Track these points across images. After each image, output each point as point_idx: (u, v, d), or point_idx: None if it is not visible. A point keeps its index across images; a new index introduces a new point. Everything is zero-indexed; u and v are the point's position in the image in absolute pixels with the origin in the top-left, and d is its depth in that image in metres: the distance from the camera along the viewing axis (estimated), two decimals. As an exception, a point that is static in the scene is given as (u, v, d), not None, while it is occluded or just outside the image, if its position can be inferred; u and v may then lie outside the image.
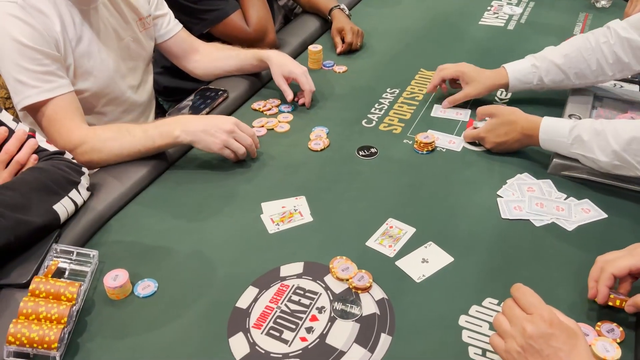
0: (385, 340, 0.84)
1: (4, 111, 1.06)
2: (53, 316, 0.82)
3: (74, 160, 1.09)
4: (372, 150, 1.27)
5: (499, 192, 1.13)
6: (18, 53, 1.12)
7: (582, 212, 1.07)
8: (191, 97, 1.44)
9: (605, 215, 1.06)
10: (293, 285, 0.93)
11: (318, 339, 0.84)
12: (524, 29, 1.86)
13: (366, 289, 0.92)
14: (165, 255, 1.01)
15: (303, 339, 0.84)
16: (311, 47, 1.63)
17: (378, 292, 0.92)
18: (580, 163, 1.12)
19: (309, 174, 1.21)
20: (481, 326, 0.86)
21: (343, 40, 1.71)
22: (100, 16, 1.27)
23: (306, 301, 0.91)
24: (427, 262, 0.97)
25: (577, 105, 1.32)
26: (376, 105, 1.45)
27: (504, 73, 1.35)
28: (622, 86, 1.41)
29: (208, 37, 1.62)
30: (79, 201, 1.05)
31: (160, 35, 1.47)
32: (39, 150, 1.06)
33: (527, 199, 1.10)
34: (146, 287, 0.94)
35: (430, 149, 1.25)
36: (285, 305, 0.90)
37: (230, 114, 1.42)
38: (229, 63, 1.53)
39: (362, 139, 1.31)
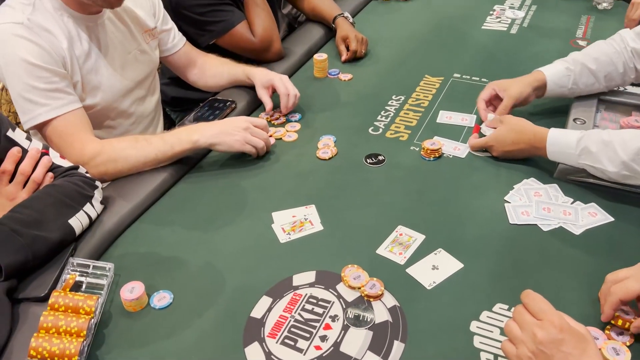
0: (398, 347, 0.86)
1: (17, 130, 1.08)
2: (73, 329, 0.84)
3: (88, 175, 1.11)
4: (380, 157, 1.29)
5: (506, 198, 1.14)
6: (26, 72, 1.14)
7: (589, 215, 1.09)
8: (200, 108, 1.46)
9: (612, 219, 1.08)
10: (306, 294, 0.95)
11: (332, 347, 0.86)
12: (527, 32, 1.87)
13: (378, 297, 0.93)
14: (180, 266, 1.03)
15: (317, 348, 0.86)
16: (316, 56, 1.65)
17: (390, 300, 0.93)
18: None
19: (318, 183, 1.23)
20: (492, 332, 0.88)
21: (348, 48, 1.73)
22: (107, 31, 1.29)
23: (319, 310, 0.92)
24: (437, 268, 0.99)
25: (582, 108, 1.33)
26: (382, 113, 1.46)
27: (541, 76, 1.33)
28: (625, 89, 1.42)
29: (214, 48, 1.65)
30: (93, 215, 1.07)
31: (167, 49, 1.50)
32: (53, 167, 1.08)
33: (534, 203, 1.12)
34: (162, 298, 0.96)
35: (437, 155, 1.27)
36: (299, 314, 0.92)
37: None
38: (222, 80, 1.56)
39: (369, 147, 1.33)
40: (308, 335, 0.88)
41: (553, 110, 1.40)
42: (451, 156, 1.28)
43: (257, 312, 0.92)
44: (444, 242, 1.04)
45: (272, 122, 1.45)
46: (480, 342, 0.86)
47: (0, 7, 1.19)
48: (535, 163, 1.22)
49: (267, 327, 0.90)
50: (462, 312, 0.91)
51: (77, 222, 1.03)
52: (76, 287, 0.94)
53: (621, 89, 1.42)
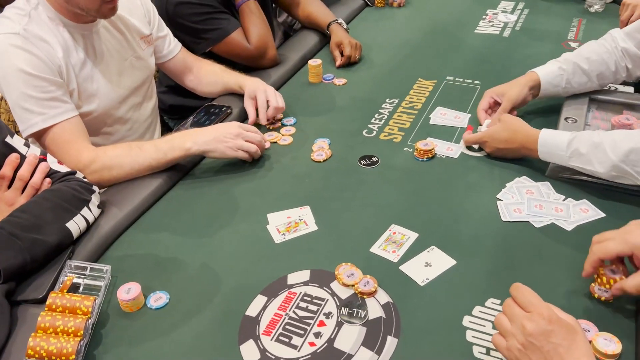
0: (391, 342, 0.87)
1: (15, 136, 1.09)
2: (70, 329, 0.85)
3: (85, 179, 1.13)
4: (374, 159, 1.30)
5: (498, 196, 1.15)
6: (23, 82, 1.16)
7: (581, 212, 1.10)
8: (196, 114, 1.48)
9: (603, 215, 1.09)
10: (300, 293, 0.96)
11: (326, 344, 0.87)
12: (519, 35, 1.89)
13: (372, 294, 0.94)
14: (176, 268, 1.04)
15: (312, 344, 0.87)
16: (311, 62, 1.67)
17: (383, 297, 0.94)
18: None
19: (313, 185, 1.24)
20: (485, 326, 0.89)
21: (342, 54, 1.75)
22: (102, 39, 1.31)
23: (313, 307, 0.93)
24: (430, 265, 1.00)
25: (573, 108, 1.35)
26: (376, 116, 1.48)
27: (535, 76, 1.36)
28: (616, 88, 1.44)
29: (210, 56, 1.67)
30: (91, 218, 1.09)
31: (163, 56, 1.52)
32: (51, 173, 1.10)
33: (527, 201, 1.13)
34: (158, 299, 0.97)
35: (430, 156, 1.28)
36: (294, 312, 0.93)
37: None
38: (216, 88, 1.58)
39: (363, 149, 1.34)
40: (302, 332, 0.89)
41: (546, 109, 1.42)
42: (444, 156, 1.29)
43: (252, 311, 0.94)
44: (437, 239, 1.05)
45: (268, 127, 1.46)
46: (473, 337, 0.87)
47: None
48: (527, 162, 1.24)
49: (262, 325, 0.91)
50: (455, 308, 0.92)
51: (75, 225, 1.04)
52: (74, 288, 0.96)
53: (613, 87, 1.44)
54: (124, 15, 1.36)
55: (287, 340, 0.88)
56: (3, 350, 0.86)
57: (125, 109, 1.39)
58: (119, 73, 1.35)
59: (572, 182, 1.17)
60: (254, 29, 1.68)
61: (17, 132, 1.24)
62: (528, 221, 1.08)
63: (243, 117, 1.51)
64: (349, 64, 1.76)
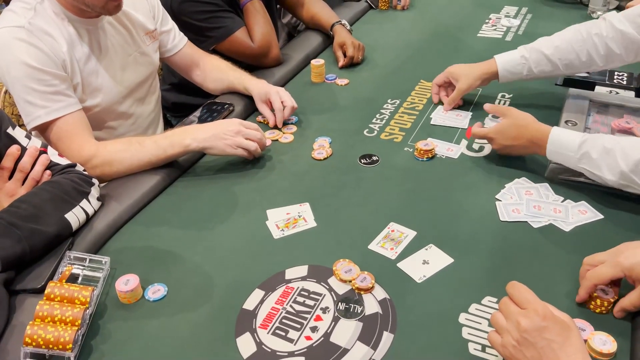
0: (387, 337, 0.87)
1: (17, 128, 1.10)
2: (67, 319, 0.85)
3: (85, 172, 1.14)
4: (374, 158, 1.31)
5: (497, 196, 1.16)
6: (27, 75, 1.17)
7: (579, 213, 1.10)
8: (198, 111, 1.48)
9: (602, 216, 1.09)
10: (298, 287, 0.97)
11: (322, 338, 0.87)
12: (522, 40, 1.89)
13: (369, 290, 0.95)
14: (175, 261, 1.04)
15: (308, 338, 0.87)
16: (313, 62, 1.68)
17: (380, 293, 0.95)
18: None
19: (313, 182, 1.25)
20: (480, 323, 0.89)
21: (345, 55, 1.76)
22: (107, 34, 1.32)
23: (310, 302, 0.94)
24: (428, 263, 1.00)
25: (573, 111, 1.35)
26: (377, 116, 1.49)
27: (493, 63, 1.40)
28: (617, 92, 1.44)
29: (214, 53, 1.67)
30: (90, 211, 1.09)
31: (168, 50, 1.52)
32: (51, 165, 1.10)
33: (525, 201, 1.13)
34: (156, 291, 0.97)
35: (430, 156, 1.29)
36: (291, 306, 0.93)
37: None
38: (220, 85, 1.58)
39: (364, 148, 1.35)
40: (299, 326, 0.89)
41: (546, 110, 1.42)
42: (444, 157, 1.30)
43: (249, 304, 0.94)
44: (435, 238, 1.06)
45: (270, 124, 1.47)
46: (469, 333, 0.87)
47: (3, 12, 1.23)
48: (526, 163, 1.24)
49: (258, 318, 0.91)
50: (452, 305, 0.92)
51: (74, 217, 1.05)
52: (73, 279, 0.96)
53: (613, 92, 1.44)
54: (128, 11, 1.37)
55: (283, 333, 0.88)
56: (1, 337, 0.86)
57: (128, 104, 1.40)
58: (122, 68, 1.36)
59: (571, 184, 1.17)
60: (257, 28, 1.69)
61: (22, 125, 1.25)
62: (526, 221, 1.09)
63: (245, 115, 1.52)
64: (352, 64, 1.76)
